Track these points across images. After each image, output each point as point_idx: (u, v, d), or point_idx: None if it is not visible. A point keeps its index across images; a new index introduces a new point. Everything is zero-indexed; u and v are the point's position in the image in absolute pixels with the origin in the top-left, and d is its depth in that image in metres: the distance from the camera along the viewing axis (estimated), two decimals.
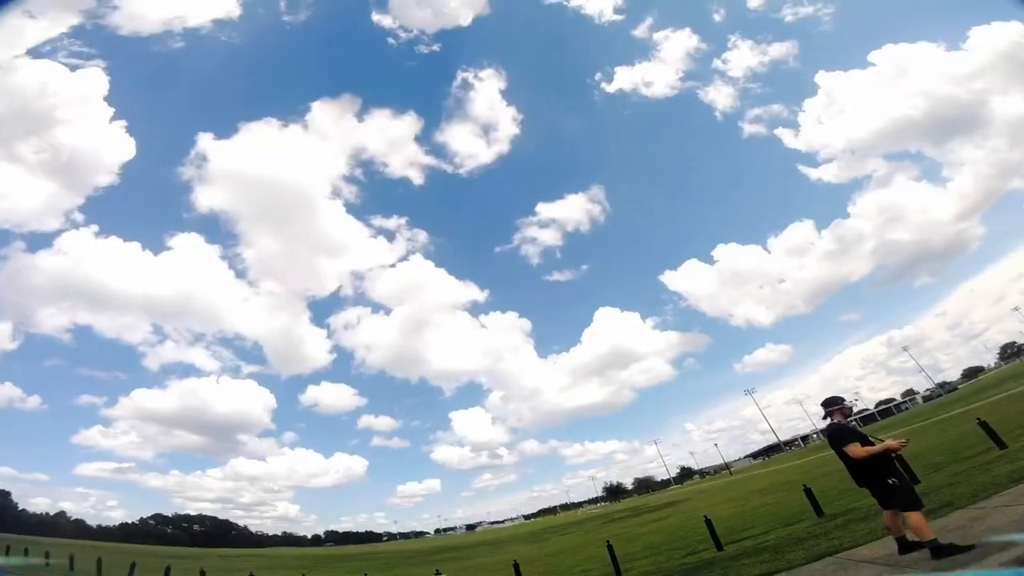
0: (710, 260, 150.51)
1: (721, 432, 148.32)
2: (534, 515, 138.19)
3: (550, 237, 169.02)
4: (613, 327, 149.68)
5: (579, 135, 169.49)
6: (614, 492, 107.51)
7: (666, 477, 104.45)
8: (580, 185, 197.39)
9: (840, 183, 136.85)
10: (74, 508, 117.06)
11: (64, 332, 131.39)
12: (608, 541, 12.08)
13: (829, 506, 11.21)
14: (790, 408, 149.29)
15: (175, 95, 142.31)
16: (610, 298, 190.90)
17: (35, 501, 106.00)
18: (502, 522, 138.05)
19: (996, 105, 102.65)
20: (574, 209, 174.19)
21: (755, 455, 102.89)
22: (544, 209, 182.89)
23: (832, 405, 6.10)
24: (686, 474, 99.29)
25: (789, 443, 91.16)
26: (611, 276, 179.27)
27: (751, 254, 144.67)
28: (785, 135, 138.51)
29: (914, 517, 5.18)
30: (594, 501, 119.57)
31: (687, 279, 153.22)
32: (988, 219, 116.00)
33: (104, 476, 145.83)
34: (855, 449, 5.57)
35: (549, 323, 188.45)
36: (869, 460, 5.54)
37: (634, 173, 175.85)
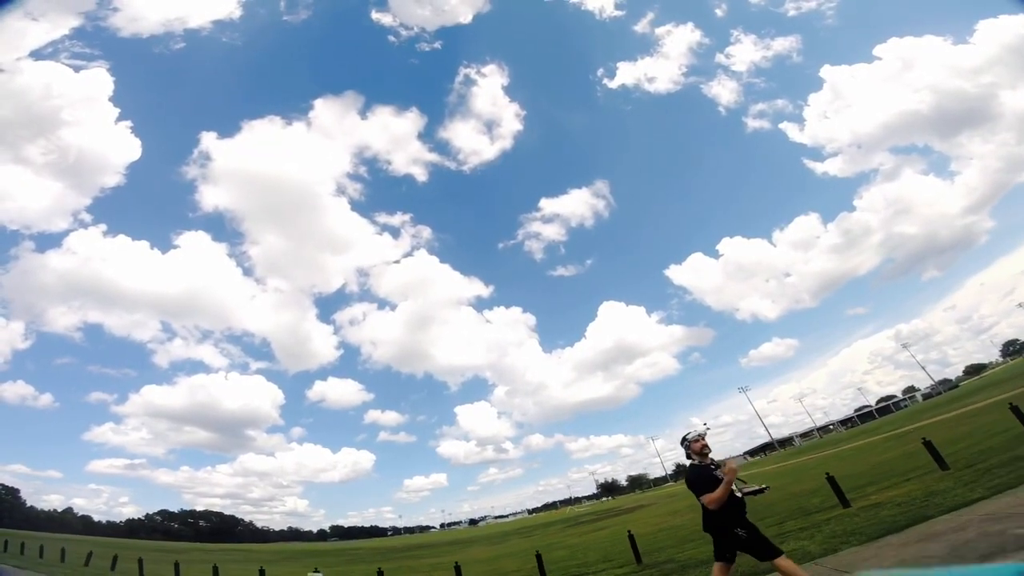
0: (715, 254, 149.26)
1: (727, 427, 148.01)
2: (537, 509, 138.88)
3: (554, 232, 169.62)
4: (618, 321, 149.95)
5: (582, 130, 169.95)
6: (609, 489, 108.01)
7: (663, 474, 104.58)
8: (584, 180, 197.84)
9: (846, 177, 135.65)
10: (86, 504, 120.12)
11: (74, 331, 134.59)
12: (457, 562, 12.45)
13: (663, 553, 11.29)
14: (797, 403, 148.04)
15: (178, 95, 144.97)
16: (615, 292, 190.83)
17: (48, 498, 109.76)
18: (506, 516, 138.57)
19: (1005, 99, 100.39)
20: (578, 204, 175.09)
21: (752, 452, 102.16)
22: (547, 204, 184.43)
23: (683, 443, 5.35)
24: (682, 472, 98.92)
25: (783, 442, 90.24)
26: (616, 270, 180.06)
27: (756, 248, 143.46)
28: (790, 129, 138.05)
29: (787, 564, 4.56)
30: (593, 497, 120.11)
31: (692, 273, 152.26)
32: (997, 213, 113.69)
33: (115, 473, 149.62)
34: (709, 499, 4.77)
35: (553, 318, 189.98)
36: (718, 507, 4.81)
37: (638, 167, 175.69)
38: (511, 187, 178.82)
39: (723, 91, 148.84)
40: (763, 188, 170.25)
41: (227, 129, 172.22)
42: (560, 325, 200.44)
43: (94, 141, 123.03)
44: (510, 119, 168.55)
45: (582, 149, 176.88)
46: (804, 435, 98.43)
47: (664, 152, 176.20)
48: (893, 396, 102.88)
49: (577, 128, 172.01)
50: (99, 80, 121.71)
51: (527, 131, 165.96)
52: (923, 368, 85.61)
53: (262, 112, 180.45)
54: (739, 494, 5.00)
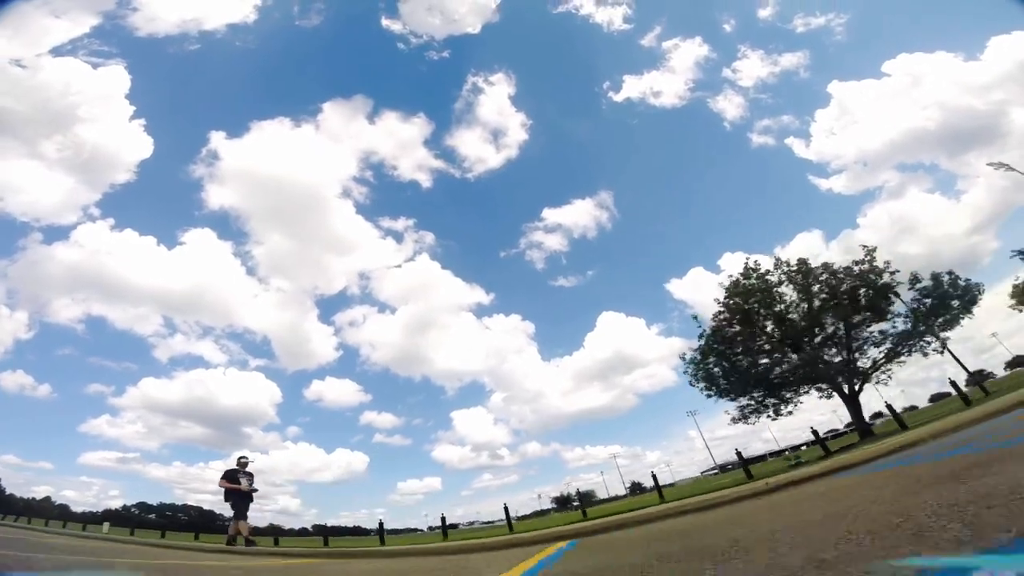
0: (716, 269, 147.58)
1: (725, 439, 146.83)
2: (527, 516, 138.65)
3: (556, 242, 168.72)
4: (617, 332, 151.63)
5: (587, 142, 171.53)
6: (563, 502, 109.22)
7: (620, 492, 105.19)
8: (587, 191, 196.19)
9: (850, 194, 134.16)
10: (75, 496, 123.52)
11: (77, 322, 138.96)
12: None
13: None
14: (791, 420, 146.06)
15: (190, 95, 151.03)
16: (615, 303, 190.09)
17: (37, 489, 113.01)
18: (492, 523, 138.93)
19: (1015, 116, 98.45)
20: (581, 214, 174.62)
21: (720, 470, 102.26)
22: (550, 214, 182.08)
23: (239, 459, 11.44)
24: (636, 488, 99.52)
25: (731, 465, 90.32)
26: (617, 282, 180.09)
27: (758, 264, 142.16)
28: (796, 144, 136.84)
29: (243, 524, 10.60)
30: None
31: (693, 287, 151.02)
32: (1003, 233, 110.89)
33: (108, 466, 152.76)
34: (221, 483, 10.89)
35: (553, 327, 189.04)
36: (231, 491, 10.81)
37: (642, 180, 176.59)
38: (515, 196, 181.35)
39: (729, 106, 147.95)
40: (766, 204, 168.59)
41: (236, 129, 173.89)
42: (559, 334, 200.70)
43: (108, 138, 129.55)
44: (516, 128, 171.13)
45: (587, 160, 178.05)
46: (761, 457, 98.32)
47: (668, 166, 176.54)
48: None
49: (582, 139, 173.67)
50: (116, 78, 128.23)
51: (532, 141, 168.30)
52: (883, 398, 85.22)
53: (272, 113, 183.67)
54: (245, 488, 10.91)
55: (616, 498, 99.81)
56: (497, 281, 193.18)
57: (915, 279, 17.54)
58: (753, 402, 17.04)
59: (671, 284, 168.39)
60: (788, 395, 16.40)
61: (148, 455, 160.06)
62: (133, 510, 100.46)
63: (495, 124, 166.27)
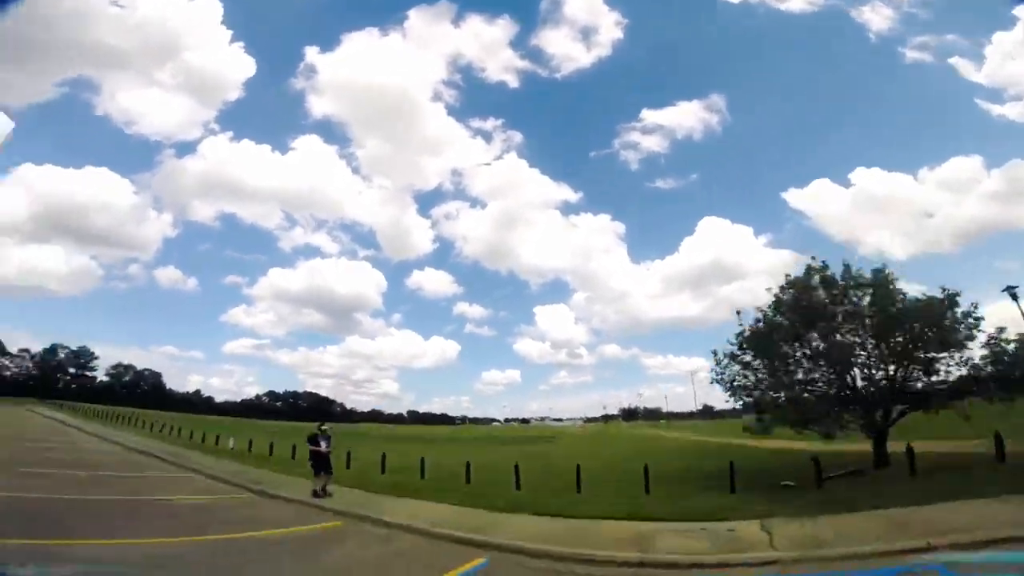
0: (846, 183, 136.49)
1: None
2: (594, 420, 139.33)
3: (654, 143, 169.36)
4: (719, 240, 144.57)
5: (695, 44, 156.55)
6: (630, 415, 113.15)
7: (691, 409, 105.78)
8: (696, 93, 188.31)
9: None
10: (220, 384, 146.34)
11: (212, 220, 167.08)
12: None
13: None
14: None
15: (281, 14, 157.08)
16: (720, 209, 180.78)
17: (191, 378, 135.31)
18: (560, 420, 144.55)
19: None
20: (686, 116, 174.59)
21: None
22: (649, 115, 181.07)
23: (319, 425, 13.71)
24: (706, 411, 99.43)
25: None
26: (724, 187, 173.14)
27: (896, 182, 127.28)
28: (962, 65, 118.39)
29: (317, 480, 12.50)
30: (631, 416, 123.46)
31: (814, 199, 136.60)
32: None
33: (246, 353, 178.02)
34: (312, 449, 12.84)
35: (645, 229, 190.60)
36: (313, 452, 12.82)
37: (763, 85, 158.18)
38: (608, 96, 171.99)
39: (876, 17, 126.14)
40: (915, 122, 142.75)
41: (328, 43, 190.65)
42: (652, 237, 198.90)
43: (213, 62, 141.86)
44: (609, 27, 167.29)
45: (694, 62, 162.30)
46: None
47: (796, 73, 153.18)
48: None
49: (688, 41, 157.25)
50: (209, 6, 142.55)
51: (628, 40, 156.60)
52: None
53: (360, 24, 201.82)
54: (323, 450, 12.72)
55: (690, 415, 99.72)
56: (587, 180, 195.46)
57: (1002, 351, 14.12)
58: (775, 418, 15.65)
59: (789, 193, 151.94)
60: (819, 415, 14.63)
61: (277, 341, 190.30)
62: (263, 399, 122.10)
63: (584, 22, 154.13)
